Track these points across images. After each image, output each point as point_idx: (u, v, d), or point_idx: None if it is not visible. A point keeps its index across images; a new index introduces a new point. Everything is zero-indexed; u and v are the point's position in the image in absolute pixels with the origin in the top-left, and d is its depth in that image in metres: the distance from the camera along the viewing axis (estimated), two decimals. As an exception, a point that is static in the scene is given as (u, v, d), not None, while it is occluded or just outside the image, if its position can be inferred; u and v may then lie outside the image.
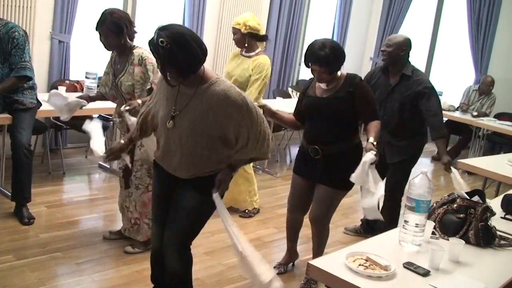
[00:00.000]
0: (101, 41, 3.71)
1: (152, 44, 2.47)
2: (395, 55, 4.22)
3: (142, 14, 6.58)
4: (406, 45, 4.24)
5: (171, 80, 2.56)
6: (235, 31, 4.69)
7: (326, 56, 3.28)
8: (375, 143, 3.22)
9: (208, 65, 7.49)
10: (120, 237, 4.09)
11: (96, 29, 3.67)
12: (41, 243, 3.94)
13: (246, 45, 4.71)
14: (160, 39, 2.41)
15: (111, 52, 3.90)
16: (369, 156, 3.10)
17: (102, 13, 3.66)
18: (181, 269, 2.88)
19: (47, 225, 4.27)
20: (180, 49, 2.43)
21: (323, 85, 3.45)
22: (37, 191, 4.76)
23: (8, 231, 4.07)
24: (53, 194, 4.97)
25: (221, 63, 7.47)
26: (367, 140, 3.26)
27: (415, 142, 4.38)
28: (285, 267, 3.93)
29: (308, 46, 3.39)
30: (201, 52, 2.51)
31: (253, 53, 4.74)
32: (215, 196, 2.67)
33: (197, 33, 6.80)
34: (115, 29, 3.60)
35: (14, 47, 4.09)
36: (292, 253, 3.95)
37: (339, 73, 3.43)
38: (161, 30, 2.45)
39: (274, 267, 3.87)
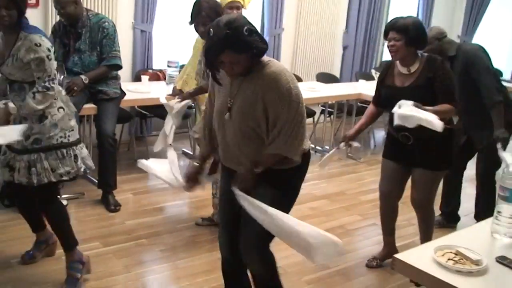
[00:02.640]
0: (197, 31, 3.73)
1: (235, 37, 2.29)
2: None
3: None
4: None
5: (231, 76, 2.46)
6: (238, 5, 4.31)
7: (406, 23, 3.13)
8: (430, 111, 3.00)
9: (288, 55, 7.42)
10: (211, 223, 4.12)
11: (192, 21, 3.70)
12: (126, 230, 4.03)
13: None
14: (245, 28, 2.29)
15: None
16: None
17: (196, 3, 3.69)
18: (266, 271, 2.75)
19: (133, 212, 4.37)
20: (257, 33, 2.35)
21: (402, 69, 3.27)
22: (123, 178, 4.88)
23: (95, 218, 4.20)
24: (139, 181, 5.07)
25: (301, 53, 7.38)
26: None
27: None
28: (378, 262, 3.75)
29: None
30: (264, 42, 2.40)
31: None
32: (234, 189, 2.49)
33: (275, 23, 6.83)
34: (214, 16, 3.50)
35: (105, 37, 4.24)
36: (389, 248, 3.72)
37: (419, 54, 3.24)
38: (222, 26, 2.29)
39: (368, 260, 3.76)
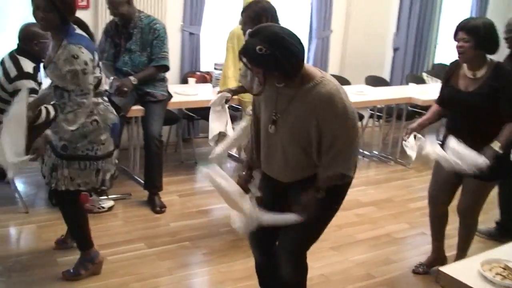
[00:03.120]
0: (241, 29, 3.79)
1: (248, 53, 2.26)
2: None
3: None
4: None
5: (271, 85, 2.39)
6: None
7: (477, 24, 3.03)
8: (497, 149, 2.97)
9: (336, 57, 7.32)
10: None
11: (241, 14, 3.76)
12: (171, 232, 4.04)
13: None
14: (258, 47, 2.20)
15: None
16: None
17: (252, 1, 3.75)
18: (295, 279, 2.73)
19: (178, 214, 4.38)
20: (280, 51, 2.23)
21: (468, 72, 3.16)
22: (170, 180, 4.90)
23: (141, 219, 4.23)
24: (185, 183, 5.09)
25: (350, 55, 7.27)
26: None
27: None
28: (425, 268, 3.64)
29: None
30: (302, 49, 2.32)
31: None
32: (294, 217, 2.43)
33: (324, 25, 6.76)
34: (254, 17, 3.60)
35: (156, 38, 4.29)
36: (438, 254, 3.63)
37: (488, 59, 3.12)
38: (253, 36, 2.27)
39: (415, 266, 3.67)
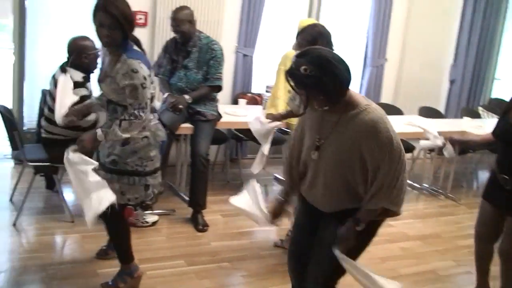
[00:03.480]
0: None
1: (293, 74, 2.25)
2: None
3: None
4: None
5: (313, 107, 2.36)
6: None
7: None
8: None
9: (390, 86, 7.23)
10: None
11: (296, 38, 3.79)
12: (211, 251, 4.03)
13: None
14: (303, 67, 2.19)
15: None
16: None
17: (308, 25, 3.83)
18: None
19: (220, 234, 4.38)
20: (325, 74, 2.21)
21: None
22: (214, 199, 4.91)
23: (183, 236, 4.25)
24: (229, 204, 5.06)
25: (404, 84, 7.17)
26: None
27: None
28: None
29: None
30: (348, 73, 2.28)
31: None
32: (336, 252, 2.39)
33: (379, 52, 6.70)
34: (310, 40, 3.63)
35: (212, 58, 4.39)
36: None
37: None
38: (300, 57, 2.25)
39: None
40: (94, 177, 2.90)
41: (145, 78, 2.92)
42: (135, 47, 3.04)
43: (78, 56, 4.04)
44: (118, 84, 2.92)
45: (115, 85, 2.94)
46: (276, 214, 2.74)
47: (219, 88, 4.51)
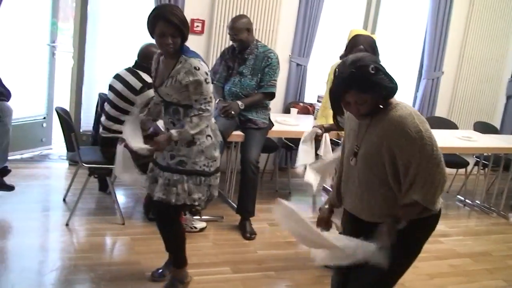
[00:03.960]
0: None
1: (357, 79, 2.22)
2: None
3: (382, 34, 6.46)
4: None
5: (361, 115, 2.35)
6: None
7: None
8: None
9: (445, 100, 7.08)
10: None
11: (346, 53, 3.82)
12: (257, 260, 4.05)
13: None
14: (372, 66, 2.21)
15: None
16: None
17: (354, 36, 3.93)
18: None
19: (266, 243, 4.39)
20: (385, 72, 2.26)
21: None
22: (262, 207, 4.90)
23: (230, 243, 4.28)
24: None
25: (460, 98, 7.05)
26: None
27: None
28: None
29: None
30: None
31: None
32: (376, 250, 2.27)
33: (435, 65, 6.58)
34: (370, 50, 3.66)
35: (268, 65, 4.44)
36: None
37: None
38: (356, 62, 2.23)
39: None
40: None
41: (207, 74, 3.04)
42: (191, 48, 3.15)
43: (147, 60, 4.13)
44: (181, 82, 3.02)
45: (177, 83, 3.04)
46: (322, 223, 2.70)
47: (272, 95, 4.54)
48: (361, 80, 2.23)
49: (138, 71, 4.26)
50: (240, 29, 4.39)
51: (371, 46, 3.77)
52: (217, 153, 3.20)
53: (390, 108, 2.32)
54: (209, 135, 3.14)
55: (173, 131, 3.05)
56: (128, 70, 4.29)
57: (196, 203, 3.20)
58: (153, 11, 3.05)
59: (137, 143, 3.14)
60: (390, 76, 2.29)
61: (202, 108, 3.03)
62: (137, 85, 4.19)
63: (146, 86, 4.18)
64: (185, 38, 3.04)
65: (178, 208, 3.23)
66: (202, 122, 3.04)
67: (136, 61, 4.32)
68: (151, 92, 4.03)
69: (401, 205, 2.33)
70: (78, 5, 5.27)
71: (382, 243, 2.27)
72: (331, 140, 5.02)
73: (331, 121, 4.11)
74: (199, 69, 3.01)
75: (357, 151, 2.43)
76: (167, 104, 3.17)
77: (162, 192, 3.14)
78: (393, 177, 2.33)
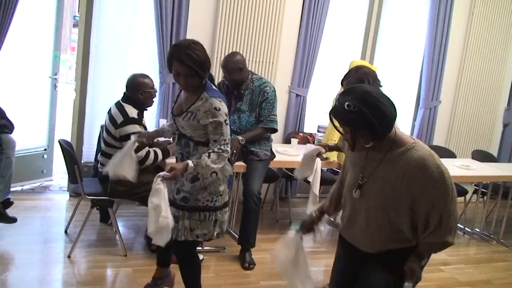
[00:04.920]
0: None
1: (337, 112, 2.26)
2: None
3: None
4: None
5: (359, 146, 2.34)
6: None
7: None
8: None
9: (443, 129, 7.13)
10: None
11: (341, 84, 3.90)
12: (260, 291, 4.04)
13: None
14: (347, 103, 2.20)
15: None
16: None
17: (352, 68, 3.95)
18: None
19: (268, 273, 4.37)
20: (369, 108, 2.19)
21: None
22: (263, 237, 4.92)
23: (232, 274, 4.28)
24: (278, 242, 5.07)
25: (457, 127, 7.12)
26: None
27: None
28: None
29: None
30: (393, 108, 2.26)
31: None
32: (407, 286, 2.27)
33: (432, 95, 6.65)
34: (355, 83, 3.66)
35: (264, 100, 4.42)
36: None
37: None
38: (344, 95, 2.26)
39: None
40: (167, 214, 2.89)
41: (226, 115, 3.04)
42: (214, 87, 3.16)
43: (135, 91, 4.18)
44: (199, 121, 3.03)
45: (195, 121, 3.05)
46: (305, 227, 2.75)
47: (273, 130, 4.54)
48: (341, 115, 2.25)
49: (124, 104, 4.17)
50: (232, 69, 4.33)
51: (359, 78, 3.77)
52: (222, 188, 3.18)
53: (409, 148, 2.30)
54: (214, 172, 3.09)
55: (190, 161, 2.98)
56: (116, 103, 4.23)
57: (200, 239, 3.20)
58: (170, 49, 3.07)
59: (124, 170, 3.19)
60: (382, 110, 2.23)
61: (221, 148, 3.02)
62: (119, 118, 4.09)
63: (127, 120, 4.08)
64: (202, 77, 3.03)
65: (189, 243, 3.20)
66: (219, 161, 3.01)
67: (124, 93, 4.26)
68: (131, 128, 4.05)
69: (424, 242, 2.33)
70: (81, 38, 5.33)
71: (411, 280, 2.27)
72: (331, 169, 5.09)
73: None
74: (219, 109, 3.00)
75: (362, 184, 2.42)
76: (180, 136, 3.19)
77: None
78: (407, 219, 2.33)
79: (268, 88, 4.46)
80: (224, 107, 3.04)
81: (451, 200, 2.27)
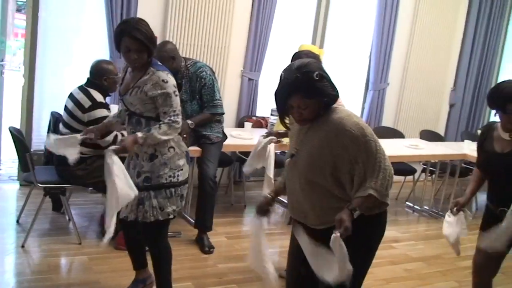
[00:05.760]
0: None
1: (302, 85, 2.28)
2: None
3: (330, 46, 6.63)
4: None
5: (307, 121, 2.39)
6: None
7: None
8: None
9: (391, 110, 7.28)
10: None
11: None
12: (218, 273, 4.08)
13: None
14: (316, 73, 2.27)
15: None
16: None
17: (295, 54, 4.02)
18: None
19: (225, 256, 4.42)
20: (327, 75, 2.33)
21: (503, 134, 3.09)
22: (219, 221, 4.95)
23: (189, 258, 4.29)
24: (234, 226, 5.13)
25: (406, 108, 7.31)
26: None
27: None
28: None
29: (492, 88, 3.12)
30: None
31: None
32: (335, 237, 2.19)
33: (381, 77, 6.79)
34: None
35: (203, 86, 4.37)
36: None
37: None
38: (301, 68, 2.30)
39: None
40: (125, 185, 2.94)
41: (175, 86, 3.06)
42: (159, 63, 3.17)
43: (99, 77, 4.16)
44: (146, 93, 3.03)
45: (143, 94, 3.04)
46: (260, 210, 2.72)
47: (220, 114, 4.53)
48: (305, 86, 2.28)
49: (89, 89, 4.17)
50: (164, 57, 4.08)
51: (315, 58, 3.82)
52: (182, 162, 3.18)
53: (330, 112, 2.37)
54: (171, 147, 3.12)
55: (139, 133, 3.01)
56: (80, 88, 4.21)
57: (171, 216, 3.20)
58: (118, 26, 3.07)
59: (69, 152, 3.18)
60: (333, 84, 2.36)
61: (171, 119, 3.04)
62: (86, 103, 4.08)
63: (95, 104, 4.09)
64: (151, 53, 3.05)
65: (156, 225, 3.18)
66: (170, 132, 3.04)
67: (88, 79, 4.24)
68: (100, 112, 4.04)
69: (353, 197, 2.34)
70: (29, 24, 5.18)
71: (340, 230, 2.22)
72: (283, 152, 5.13)
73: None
74: (167, 82, 3.03)
75: (295, 154, 2.47)
76: (131, 114, 3.16)
77: (133, 213, 3.13)
78: (333, 182, 2.36)
79: (204, 73, 4.36)
80: (171, 79, 3.06)
81: (375, 155, 2.31)
